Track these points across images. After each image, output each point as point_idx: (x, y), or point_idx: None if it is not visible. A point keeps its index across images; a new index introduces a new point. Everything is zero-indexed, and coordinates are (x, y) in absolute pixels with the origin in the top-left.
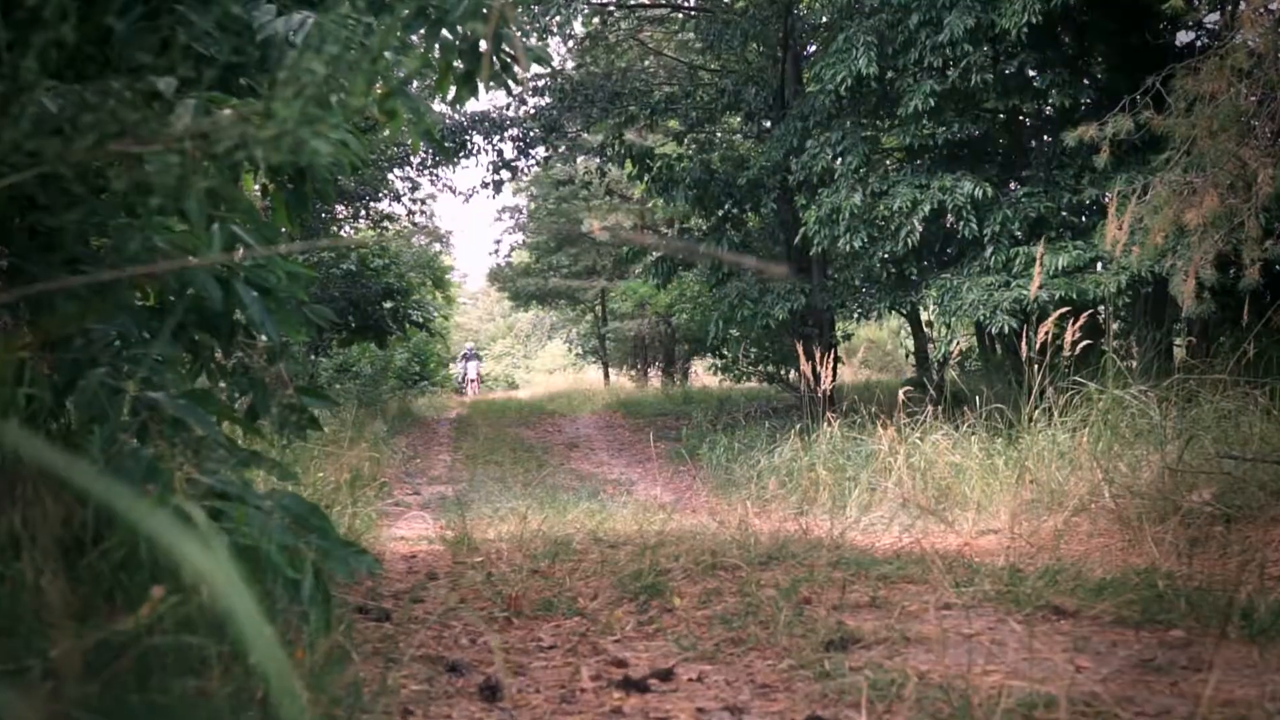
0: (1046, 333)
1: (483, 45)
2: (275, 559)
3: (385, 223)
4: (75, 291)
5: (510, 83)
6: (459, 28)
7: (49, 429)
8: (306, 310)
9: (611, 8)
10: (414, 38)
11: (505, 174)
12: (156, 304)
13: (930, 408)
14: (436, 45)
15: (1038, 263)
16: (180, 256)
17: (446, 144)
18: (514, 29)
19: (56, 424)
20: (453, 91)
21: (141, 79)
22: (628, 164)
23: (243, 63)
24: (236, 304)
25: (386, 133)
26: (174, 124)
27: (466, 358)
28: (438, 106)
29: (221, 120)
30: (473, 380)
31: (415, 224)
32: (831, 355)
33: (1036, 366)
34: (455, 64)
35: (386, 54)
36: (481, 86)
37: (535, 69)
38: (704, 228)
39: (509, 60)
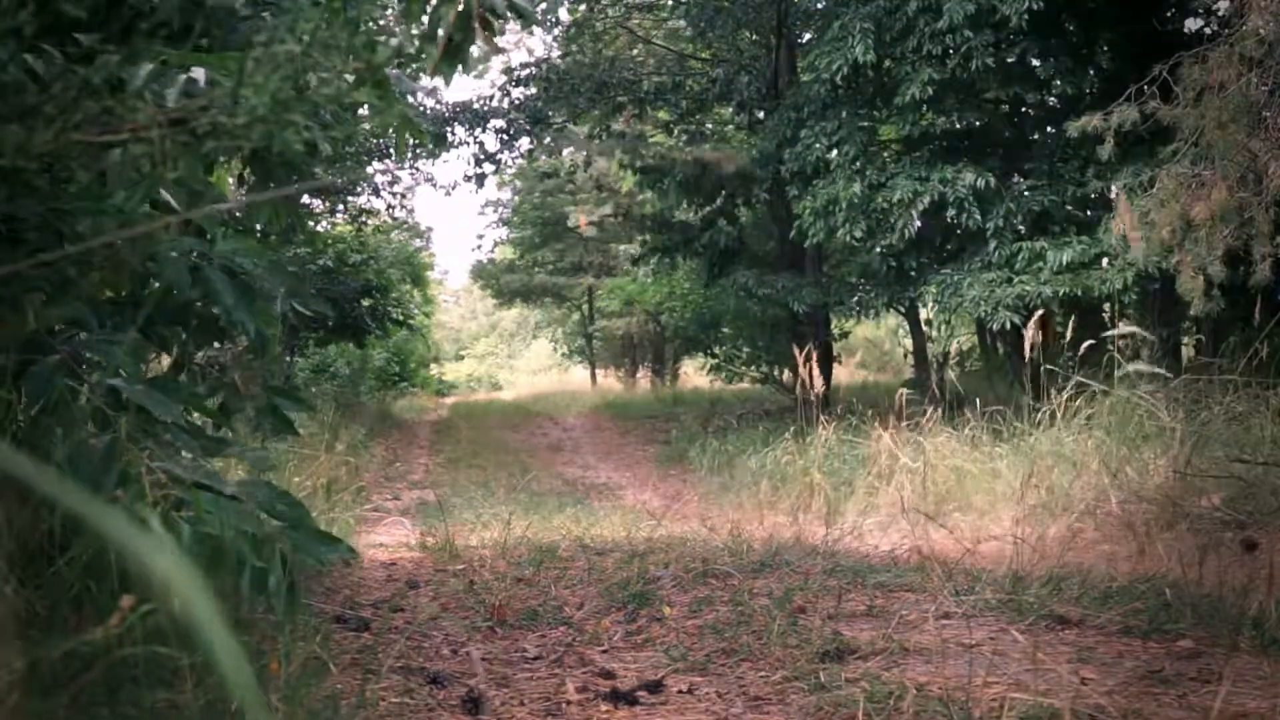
0: (1047, 329)
1: (460, 5)
2: (240, 548)
3: (364, 217)
4: (34, 284)
5: (494, 44)
6: None
7: (10, 428)
8: (295, 301)
9: None
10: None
11: (488, 167)
12: (122, 296)
13: (929, 409)
14: (424, 18)
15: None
16: (141, 241)
17: (426, 129)
18: None
19: (15, 421)
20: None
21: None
22: (617, 153)
23: (210, 47)
24: (208, 291)
25: (367, 127)
26: (139, 109)
27: None
28: (414, 98)
29: (191, 106)
30: None
31: (395, 219)
32: (828, 355)
33: (1040, 366)
34: (439, 33)
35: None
36: (474, 52)
37: (522, 57)
38: (696, 221)
39: (492, 22)
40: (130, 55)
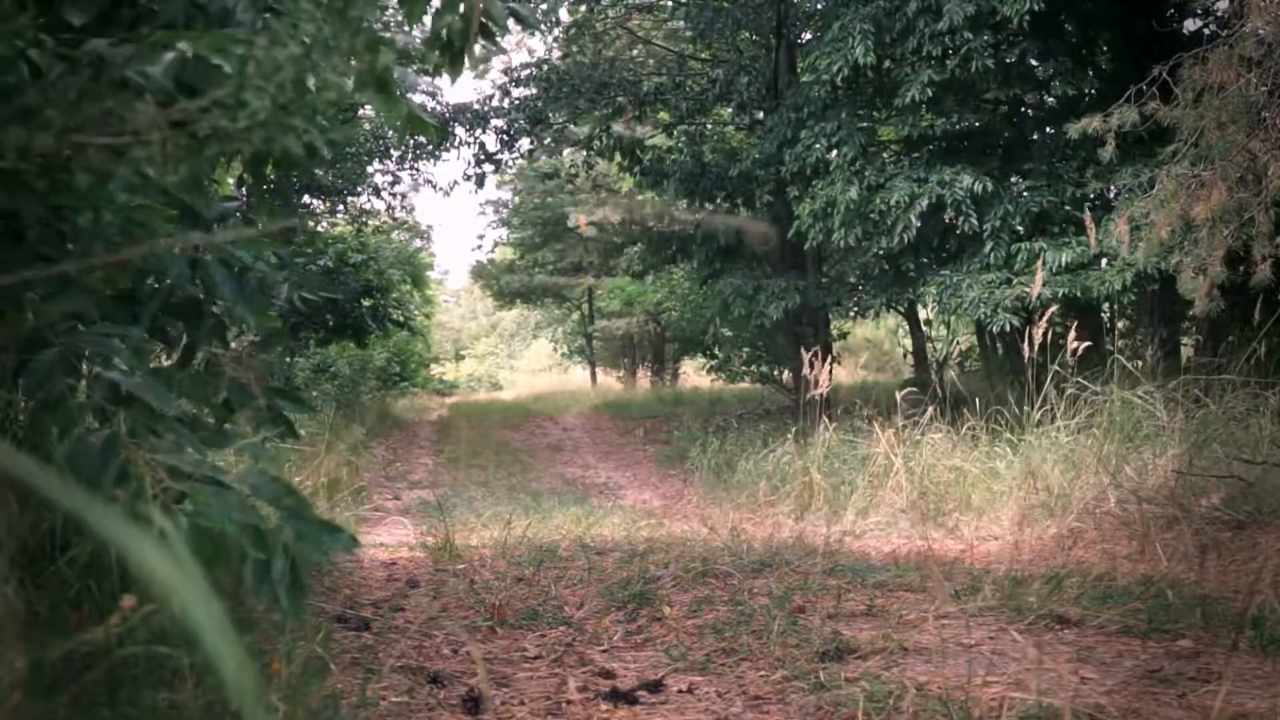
0: (1045, 331)
1: (463, 7)
2: (242, 541)
3: (364, 218)
4: (34, 282)
5: (496, 44)
6: None
7: (9, 427)
8: (304, 293)
9: None
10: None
11: (488, 167)
12: (124, 293)
13: (929, 409)
14: (426, 18)
15: (1039, 262)
16: (145, 238)
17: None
18: None
19: (13, 419)
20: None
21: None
22: (616, 155)
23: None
24: (208, 286)
25: (368, 126)
26: (141, 111)
27: None
28: (416, 98)
29: (192, 109)
30: None
31: (395, 219)
32: (828, 355)
33: (1039, 366)
34: (441, 33)
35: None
36: (472, 53)
37: (523, 58)
38: (694, 222)
39: (492, 29)
40: (139, 48)
